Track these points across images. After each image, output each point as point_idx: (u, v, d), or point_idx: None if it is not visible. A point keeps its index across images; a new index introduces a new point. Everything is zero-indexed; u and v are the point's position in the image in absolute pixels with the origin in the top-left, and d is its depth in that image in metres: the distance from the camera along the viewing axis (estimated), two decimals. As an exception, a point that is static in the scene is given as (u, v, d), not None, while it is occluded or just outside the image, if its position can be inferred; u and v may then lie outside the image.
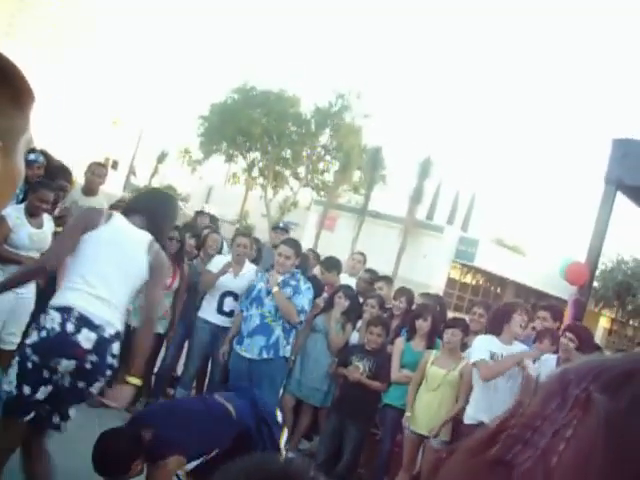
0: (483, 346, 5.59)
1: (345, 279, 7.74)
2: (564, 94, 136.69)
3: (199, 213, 9.64)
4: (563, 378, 0.67)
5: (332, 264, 7.62)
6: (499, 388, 5.40)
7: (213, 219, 9.22)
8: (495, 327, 5.73)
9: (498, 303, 7.01)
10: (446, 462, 0.74)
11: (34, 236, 5.84)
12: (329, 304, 6.79)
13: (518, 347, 5.54)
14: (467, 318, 6.80)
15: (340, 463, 6.15)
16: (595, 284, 32.14)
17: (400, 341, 6.31)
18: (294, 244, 6.42)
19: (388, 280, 7.88)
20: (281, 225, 7.42)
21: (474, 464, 0.68)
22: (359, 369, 6.22)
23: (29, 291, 6.01)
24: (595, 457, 0.59)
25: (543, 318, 6.35)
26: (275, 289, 6.09)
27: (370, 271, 7.95)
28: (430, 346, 6.12)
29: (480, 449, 0.68)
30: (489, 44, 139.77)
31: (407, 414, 5.82)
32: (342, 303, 6.66)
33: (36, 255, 5.87)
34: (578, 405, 0.63)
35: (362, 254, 8.42)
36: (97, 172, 7.36)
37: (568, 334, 5.57)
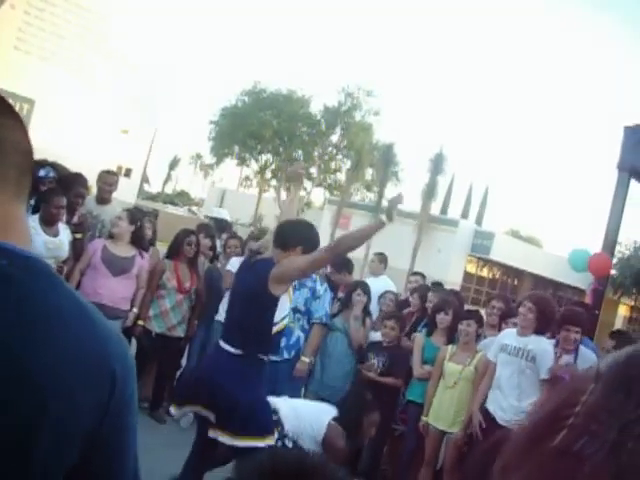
0: (498, 339, 5.59)
1: (371, 281, 7.82)
2: (575, 83, 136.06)
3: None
4: (625, 372, 0.66)
5: (342, 264, 7.56)
6: (502, 385, 5.38)
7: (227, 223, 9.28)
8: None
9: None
10: (502, 449, 0.73)
11: (49, 244, 5.88)
12: (345, 303, 6.80)
13: (533, 339, 5.35)
14: (484, 311, 6.81)
15: (360, 460, 6.16)
16: (613, 272, 31.90)
17: (420, 336, 6.31)
18: None
19: (423, 275, 8.31)
20: None
21: (539, 452, 0.67)
22: (373, 366, 6.24)
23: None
24: None
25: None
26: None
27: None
28: (451, 341, 6.11)
29: (541, 436, 0.67)
30: (498, 37, 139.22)
31: (424, 419, 5.85)
32: (361, 300, 6.66)
33: (51, 263, 5.92)
34: None
35: (381, 254, 8.51)
36: (108, 180, 7.42)
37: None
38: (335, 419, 4.79)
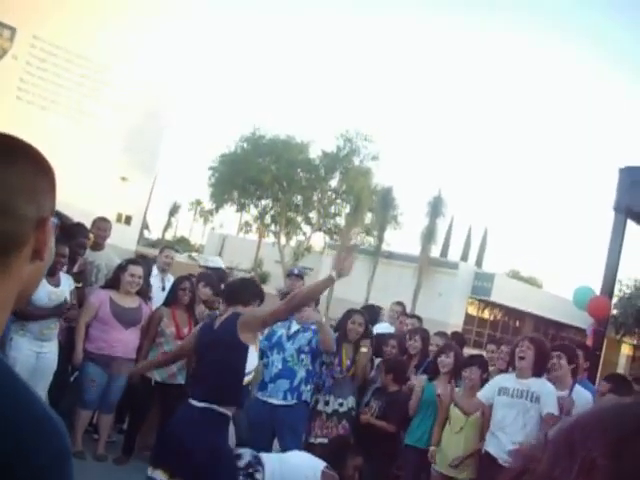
0: (495, 382, 5.57)
1: (385, 328, 7.91)
2: (572, 126, 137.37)
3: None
4: (569, 436, 0.67)
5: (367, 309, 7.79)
6: (507, 427, 5.34)
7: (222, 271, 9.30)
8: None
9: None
10: None
11: (52, 295, 5.94)
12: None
13: (534, 381, 5.35)
14: (484, 353, 6.82)
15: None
16: (614, 312, 31.76)
17: (421, 379, 6.28)
18: None
19: (419, 318, 8.25)
20: (295, 271, 7.47)
21: None
22: (371, 409, 6.22)
23: (51, 350, 6.06)
24: None
25: (557, 356, 6.23)
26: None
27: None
28: (455, 384, 6.08)
29: None
30: (494, 80, 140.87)
31: (432, 449, 5.80)
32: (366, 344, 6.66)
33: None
34: (584, 469, 0.63)
35: (400, 304, 8.65)
36: (102, 227, 7.54)
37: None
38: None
